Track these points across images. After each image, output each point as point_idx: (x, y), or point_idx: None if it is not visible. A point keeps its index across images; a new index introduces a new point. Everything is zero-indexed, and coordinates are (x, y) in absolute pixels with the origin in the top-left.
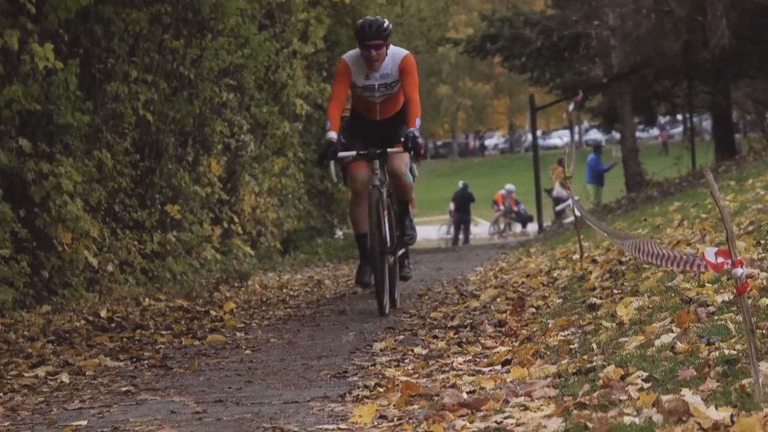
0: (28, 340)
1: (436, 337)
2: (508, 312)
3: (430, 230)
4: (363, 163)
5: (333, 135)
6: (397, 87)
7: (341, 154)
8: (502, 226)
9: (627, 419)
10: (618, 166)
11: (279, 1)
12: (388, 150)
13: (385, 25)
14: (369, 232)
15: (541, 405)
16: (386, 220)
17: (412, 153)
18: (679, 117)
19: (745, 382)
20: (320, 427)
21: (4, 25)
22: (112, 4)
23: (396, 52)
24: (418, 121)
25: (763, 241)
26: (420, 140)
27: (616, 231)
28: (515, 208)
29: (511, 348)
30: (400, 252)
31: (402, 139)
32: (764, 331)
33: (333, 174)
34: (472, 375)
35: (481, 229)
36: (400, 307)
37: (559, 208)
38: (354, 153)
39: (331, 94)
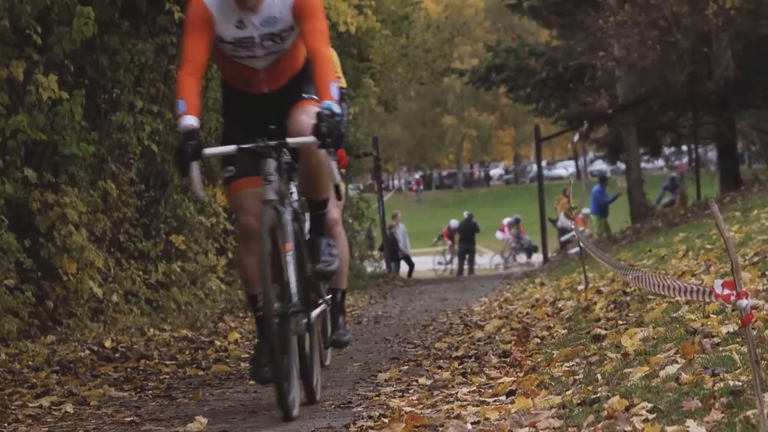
0: (33, 370)
1: (440, 367)
2: (513, 342)
3: (429, 260)
4: (254, 181)
5: (191, 121)
6: (292, 39)
7: (208, 150)
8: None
9: None
10: (623, 196)
11: None
12: (289, 141)
13: None
14: (260, 280)
15: None
16: (290, 258)
17: (328, 141)
18: (684, 148)
19: (750, 413)
20: None
21: (10, 56)
22: (117, 35)
23: None
24: (334, 89)
25: None
26: (343, 122)
27: (618, 263)
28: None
29: (515, 378)
30: (320, 308)
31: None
32: None
33: (198, 185)
34: (477, 406)
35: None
36: (404, 338)
37: (564, 238)
38: (233, 148)
39: (181, 56)
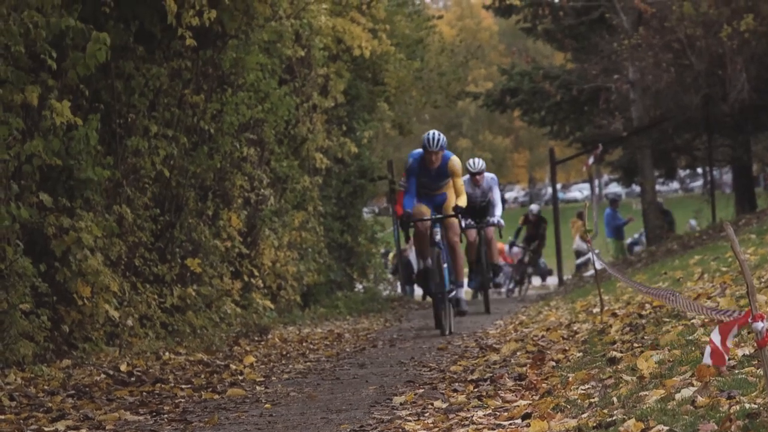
0: (48, 394)
1: (456, 390)
2: (528, 365)
3: None
4: None
5: None
6: None
7: None
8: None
9: None
10: (637, 219)
11: (299, 56)
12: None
13: None
14: None
15: None
16: None
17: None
18: (699, 170)
19: None
20: None
21: (25, 81)
22: (132, 60)
23: None
24: None
25: None
26: None
27: (636, 282)
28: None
29: (531, 402)
30: None
31: None
32: None
33: None
34: (492, 429)
35: None
36: (419, 361)
37: (579, 261)
38: None
39: None
